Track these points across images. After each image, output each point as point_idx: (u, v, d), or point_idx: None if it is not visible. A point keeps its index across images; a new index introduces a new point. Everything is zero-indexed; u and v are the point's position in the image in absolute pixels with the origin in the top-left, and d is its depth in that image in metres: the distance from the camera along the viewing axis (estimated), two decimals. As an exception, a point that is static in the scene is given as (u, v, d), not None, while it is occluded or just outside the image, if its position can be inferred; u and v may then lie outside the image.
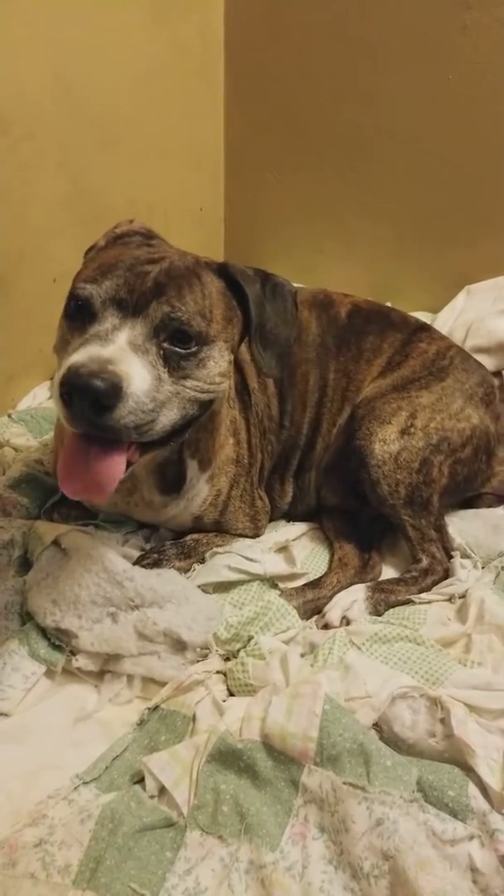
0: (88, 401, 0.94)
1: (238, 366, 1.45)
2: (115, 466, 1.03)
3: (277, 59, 2.26)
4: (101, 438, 1.01)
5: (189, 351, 1.07)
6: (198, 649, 1.18)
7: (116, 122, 1.96)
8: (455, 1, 1.93)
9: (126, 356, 1.00)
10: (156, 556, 1.35)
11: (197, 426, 1.25)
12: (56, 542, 1.28)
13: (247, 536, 1.48)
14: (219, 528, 1.45)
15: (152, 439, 1.05)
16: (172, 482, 1.35)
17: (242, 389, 1.49)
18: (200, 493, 1.39)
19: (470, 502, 1.60)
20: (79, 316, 1.06)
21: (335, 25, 2.12)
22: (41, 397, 1.97)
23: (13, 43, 1.60)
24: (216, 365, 1.12)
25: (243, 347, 1.26)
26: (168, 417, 1.05)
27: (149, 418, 1.01)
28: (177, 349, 1.06)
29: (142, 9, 1.95)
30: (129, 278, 1.06)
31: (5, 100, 1.63)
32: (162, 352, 1.05)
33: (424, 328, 1.68)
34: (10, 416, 1.85)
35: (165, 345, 1.06)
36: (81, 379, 0.93)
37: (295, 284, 2.08)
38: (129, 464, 1.07)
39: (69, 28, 1.73)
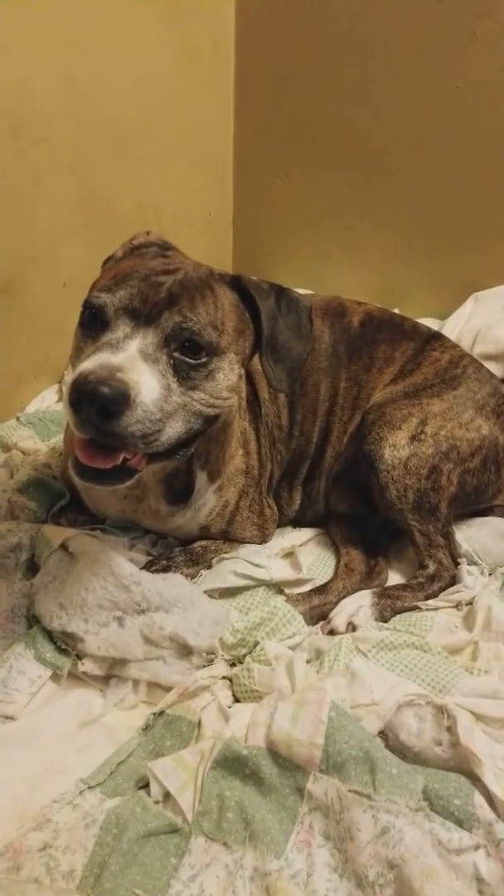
0: (96, 407, 0.94)
1: (249, 377, 1.46)
2: (122, 475, 1.05)
3: (287, 65, 2.27)
4: (108, 446, 1.01)
5: (199, 361, 1.08)
6: (203, 654, 1.18)
7: (126, 126, 1.97)
8: (465, 10, 1.93)
9: (136, 364, 1.00)
10: (164, 562, 1.36)
11: (206, 438, 1.26)
12: (63, 546, 1.28)
13: (254, 544, 1.47)
14: (226, 536, 1.45)
15: (157, 451, 1.06)
16: (180, 492, 1.35)
17: (253, 400, 1.49)
18: (208, 503, 1.39)
19: (482, 514, 1.59)
20: (92, 324, 1.07)
21: (345, 33, 2.13)
22: (49, 401, 1.97)
23: (25, 48, 1.61)
24: (225, 378, 1.12)
25: (255, 358, 1.26)
26: (174, 429, 1.06)
27: (155, 428, 1.01)
28: (187, 359, 1.07)
29: (153, 14, 1.96)
30: (143, 288, 1.06)
31: (17, 104, 1.64)
32: (172, 361, 1.06)
33: (437, 337, 1.67)
34: (18, 419, 1.86)
35: (176, 354, 1.06)
36: (90, 385, 0.94)
37: (303, 290, 2.09)
38: (135, 471, 1.08)
39: (80, 33, 1.75)
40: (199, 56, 2.20)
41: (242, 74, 2.35)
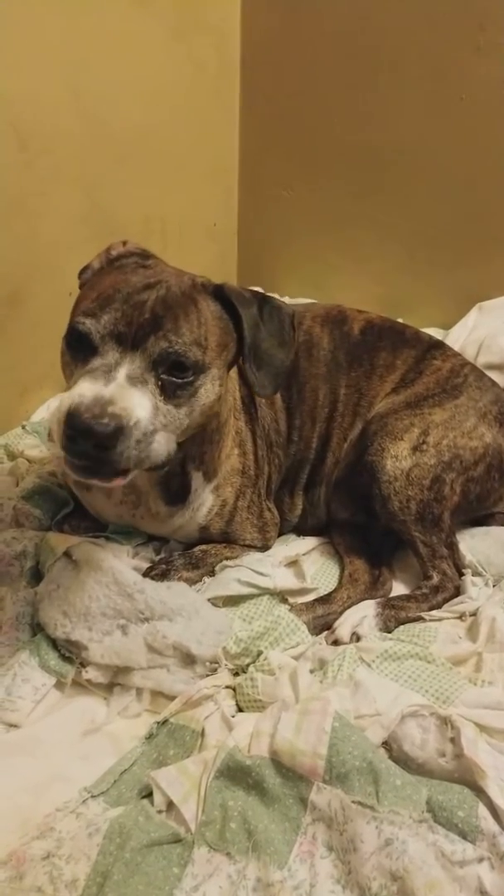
0: (92, 442, 0.98)
1: (245, 379, 1.46)
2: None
3: (292, 77, 2.28)
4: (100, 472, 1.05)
5: (186, 380, 1.10)
6: (207, 663, 1.18)
7: (132, 138, 1.99)
8: (469, 22, 1.94)
9: (126, 393, 1.03)
10: (164, 566, 1.36)
11: (200, 440, 1.30)
12: (67, 554, 1.29)
13: (255, 548, 1.48)
14: (226, 538, 1.46)
15: (146, 467, 1.08)
16: (177, 493, 1.36)
17: (249, 402, 1.49)
18: (206, 503, 1.40)
19: (482, 521, 1.59)
20: (80, 347, 1.09)
21: (350, 45, 2.14)
22: (55, 407, 1.98)
23: (33, 61, 1.63)
24: (209, 392, 1.15)
25: None
26: (162, 445, 1.08)
27: (146, 448, 1.04)
28: (174, 379, 1.09)
29: (160, 28, 1.98)
30: (127, 310, 1.08)
31: (23, 116, 1.65)
32: (160, 382, 1.08)
33: (438, 346, 1.68)
34: (23, 427, 1.86)
35: (163, 376, 1.09)
36: (85, 423, 0.97)
37: (306, 299, 2.10)
38: (128, 470, 1.09)
39: (87, 45, 1.76)
40: (205, 69, 2.22)
41: (248, 87, 2.37)
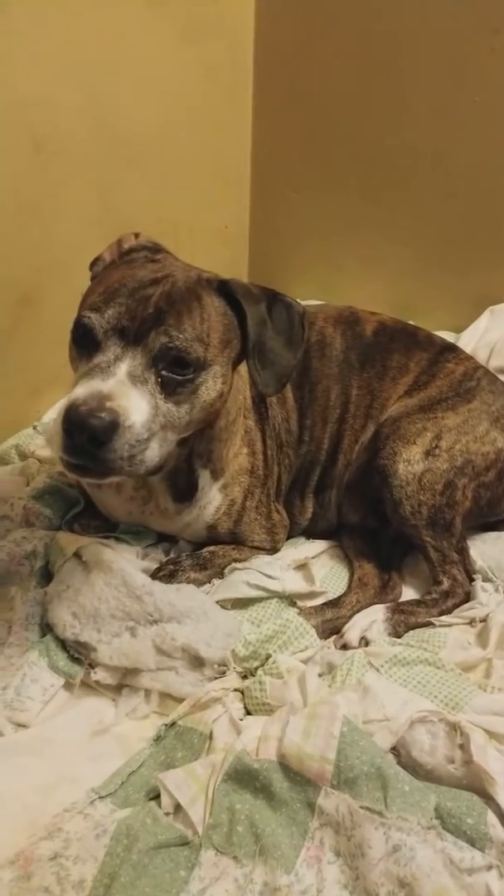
0: (87, 436, 0.99)
1: (252, 380, 1.46)
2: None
3: (304, 80, 2.28)
4: (96, 471, 1.05)
5: (186, 377, 1.10)
6: (215, 666, 1.18)
7: (145, 140, 1.99)
8: (483, 25, 1.94)
9: (125, 390, 1.04)
10: (171, 567, 1.36)
11: (208, 437, 1.30)
12: (77, 555, 1.29)
13: (263, 549, 1.48)
14: (234, 539, 1.45)
15: (143, 470, 1.07)
16: (184, 491, 1.36)
17: (259, 401, 1.49)
18: (213, 501, 1.40)
19: (493, 526, 1.58)
20: (84, 342, 1.10)
21: (362, 48, 2.14)
22: (57, 411, 1.99)
23: (46, 63, 1.64)
24: (210, 389, 1.15)
25: None
26: (154, 451, 1.08)
27: (142, 448, 1.04)
28: (175, 376, 1.09)
29: (173, 31, 1.98)
30: (131, 305, 1.08)
31: (38, 118, 1.66)
32: (160, 379, 1.08)
33: (451, 348, 1.67)
34: (35, 427, 1.87)
35: (164, 373, 1.09)
36: (81, 416, 0.98)
37: (317, 302, 2.09)
38: None
39: (101, 49, 1.77)
40: (218, 72, 2.22)
41: (260, 90, 2.37)
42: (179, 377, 1.10)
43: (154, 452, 1.07)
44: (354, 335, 1.60)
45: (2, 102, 1.57)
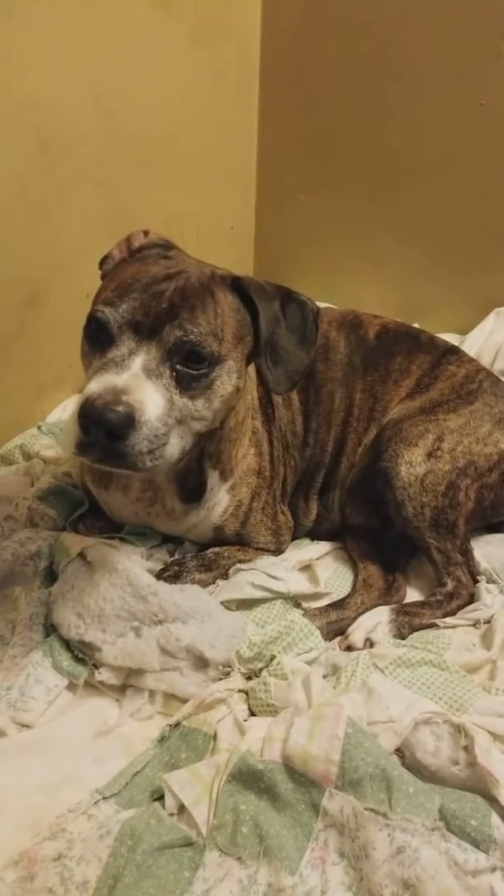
0: (103, 430, 0.98)
1: (262, 378, 1.46)
2: None
3: (311, 81, 2.28)
4: (114, 466, 1.05)
5: (201, 371, 1.10)
6: (220, 667, 1.18)
7: (152, 142, 2.00)
8: (490, 29, 1.94)
9: (140, 383, 1.03)
10: (176, 568, 1.36)
11: (218, 437, 1.30)
12: (81, 555, 1.29)
13: (268, 551, 1.48)
14: (240, 540, 1.46)
15: (163, 464, 1.07)
16: (192, 491, 1.36)
17: (266, 402, 1.49)
18: (221, 502, 1.40)
19: (497, 527, 1.58)
20: (98, 338, 1.10)
21: (369, 50, 2.14)
22: (71, 410, 1.99)
23: (53, 64, 1.64)
24: (225, 384, 1.14)
25: None
26: (178, 439, 1.08)
27: (161, 442, 1.04)
28: (189, 370, 1.09)
29: (181, 33, 1.99)
30: (145, 300, 1.08)
31: (45, 119, 1.66)
32: (175, 373, 1.08)
33: (453, 351, 1.67)
34: (39, 427, 1.87)
35: (179, 367, 1.08)
36: (97, 410, 0.98)
37: (323, 304, 2.09)
38: None
39: (108, 49, 1.77)
40: (225, 73, 2.23)
41: (267, 92, 2.37)
42: (194, 371, 1.09)
43: (174, 448, 1.08)
44: (358, 338, 1.61)
45: (9, 103, 1.57)
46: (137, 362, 1.05)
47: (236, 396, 1.20)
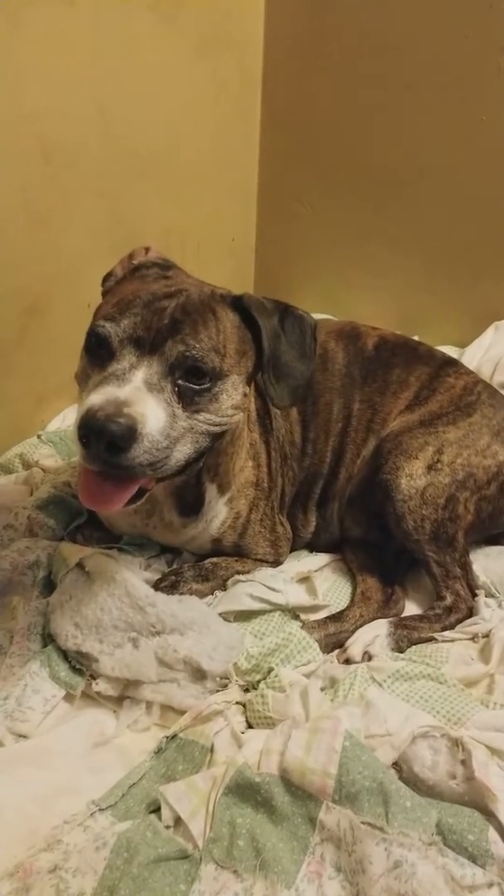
0: (104, 443, 0.98)
1: (260, 390, 1.47)
2: (127, 497, 1.07)
3: (312, 94, 2.30)
4: (117, 476, 1.05)
5: (203, 387, 1.10)
6: (217, 679, 1.18)
7: (154, 153, 2.01)
8: (490, 45, 1.96)
9: (142, 396, 1.03)
10: (173, 578, 1.36)
11: (216, 451, 1.29)
12: (80, 565, 1.29)
13: (267, 562, 1.48)
14: (238, 552, 1.46)
15: (166, 475, 1.08)
16: (191, 504, 1.36)
17: (264, 414, 1.50)
18: (219, 514, 1.40)
19: (496, 540, 1.58)
20: (98, 352, 1.10)
21: (371, 64, 2.16)
22: (70, 419, 1.99)
23: (57, 75, 1.66)
24: (229, 398, 1.14)
25: None
26: (182, 452, 1.09)
27: (163, 455, 1.04)
28: (191, 385, 1.09)
29: (184, 45, 2.01)
30: (146, 315, 1.08)
31: (49, 130, 1.68)
32: (177, 388, 1.08)
33: (452, 363, 1.68)
34: (39, 437, 1.88)
35: (181, 382, 1.09)
36: (98, 422, 0.97)
37: (323, 315, 2.10)
38: (145, 491, 1.11)
39: (111, 62, 1.79)
40: (227, 86, 2.24)
41: (268, 104, 2.39)
42: (196, 387, 1.09)
43: (181, 454, 1.08)
44: (356, 350, 1.61)
45: (13, 114, 1.59)
46: (139, 376, 1.05)
47: (238, 412, 1.20)
